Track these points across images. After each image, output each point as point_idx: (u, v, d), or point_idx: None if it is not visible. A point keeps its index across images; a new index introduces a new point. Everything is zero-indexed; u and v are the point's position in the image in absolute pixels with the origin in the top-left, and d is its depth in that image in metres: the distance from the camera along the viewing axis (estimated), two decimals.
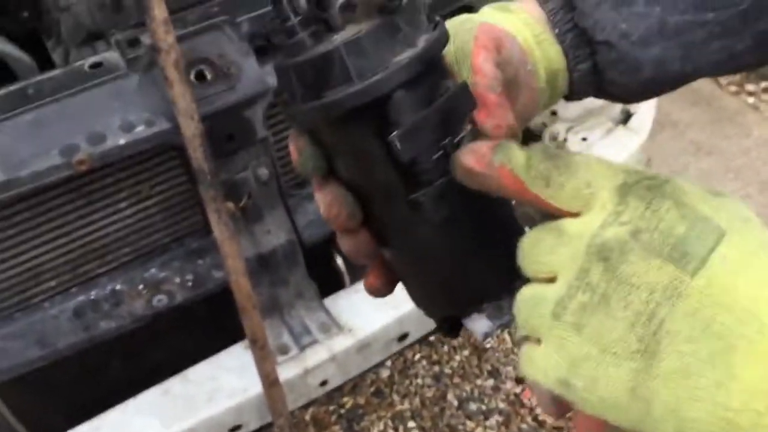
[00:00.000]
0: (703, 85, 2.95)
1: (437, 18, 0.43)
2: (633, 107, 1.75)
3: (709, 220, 0.33)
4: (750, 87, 2.96)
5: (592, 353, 0.33)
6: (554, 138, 1.72)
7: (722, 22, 0.57)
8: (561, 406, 0.36)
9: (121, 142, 1.10)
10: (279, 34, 0.39)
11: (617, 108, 1.74)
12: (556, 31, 0.55)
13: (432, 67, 0.40)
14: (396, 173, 0.40)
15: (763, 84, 2.96)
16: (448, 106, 0.40)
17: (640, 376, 0.32)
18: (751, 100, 2.92)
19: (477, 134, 0.43)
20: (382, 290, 0.49)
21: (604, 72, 0.56)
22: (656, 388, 0.32)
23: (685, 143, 2.75)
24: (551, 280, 0.36)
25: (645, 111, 1.75)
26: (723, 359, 0.31)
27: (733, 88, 2.97)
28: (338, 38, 0.38)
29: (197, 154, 1.12)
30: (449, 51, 0.48)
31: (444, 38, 0.42)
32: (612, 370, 0.32)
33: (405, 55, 0.38)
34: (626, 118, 1.76)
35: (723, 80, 2.98)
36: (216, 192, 1.15)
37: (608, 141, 1.73)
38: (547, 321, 0.34)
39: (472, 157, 0.39)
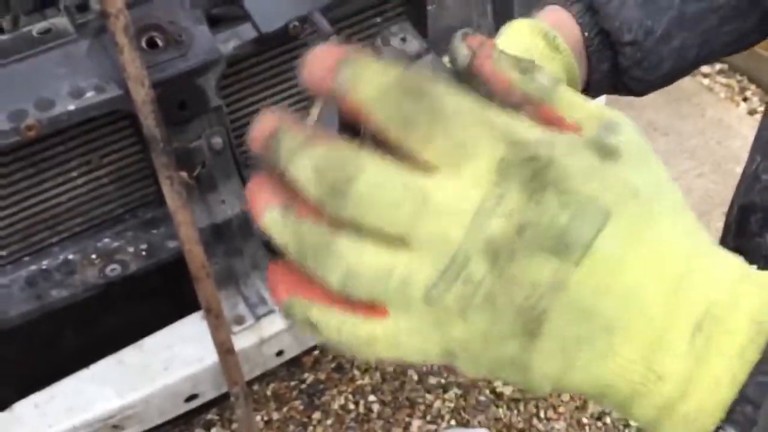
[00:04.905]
0: None
1: None
2: None
3: (593, 203, 0.30)
4: (705, 69, 3.03)
5: (476, 339, 0.31)
6: None
7: (734, 6, 0.60)
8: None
9: (71, 107, 1.09)
10: None
11: None
12: (586, 34, 0.57)
13: None
14: None
15: (718, 66, 3.03)
16: None
17: (520, 351, 0.31)
18: (705, 81, 2.98)
19: None
20: None
21: (626, 71, 0.58)
22: (535, 361, 0.32)
23: (643, 123, 2.81)
24: (396, 243, 0.30)
25: None
26: (602, 339, 0.31)
27: None
28: None
29: (148, 120, 1.12)
30: None
31: None
32: (495, 350, 0.31)
33: None
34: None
35: None
36: (168, 159, 1.15)
37: None
38: (417, 303, 0.30)
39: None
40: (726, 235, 0.79)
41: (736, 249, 0.76)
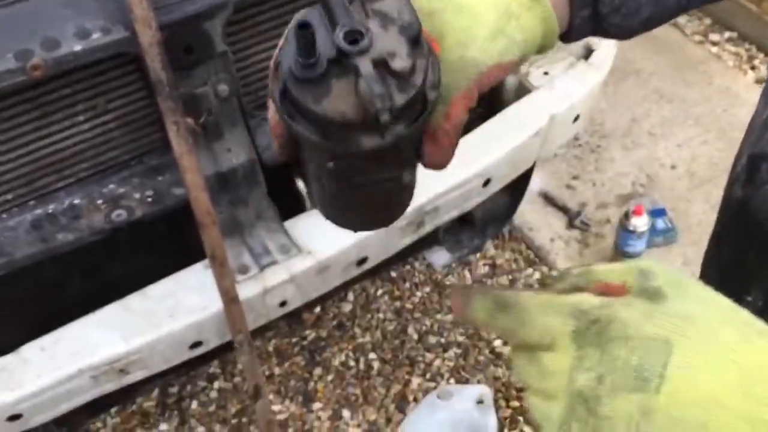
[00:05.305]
0: (669, 34, 2.98)
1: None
2: (594, 43, 1.77)
3: (655, 339, 0.39)
4: (714, 37, 3.00)
5: None
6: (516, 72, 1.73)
7: None
8: None
9: (77, 48, 1.09)
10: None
11: (579, 43, 1.76)
12: None
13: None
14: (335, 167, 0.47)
15: (727, 34, 3.00)
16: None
17: None
18: (714, 49, 2.95)
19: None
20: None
21: (605, 17, 0.59)
22: None
23: (648, 91, 2.79)
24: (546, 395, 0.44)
25: (606, 47, 1.78)
26: None
27: (697, 38, 3.00)
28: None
29: (155, 63, 1.12)
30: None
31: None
32: None
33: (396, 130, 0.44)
34: (588, 53, 1.78)
35: (688, 30, 3.01)
36: (174, 103, 1.15)
37: (570, 76, 1.75)
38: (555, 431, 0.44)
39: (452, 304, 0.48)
40: (733, 185, 0.78)
41: (745, 198, 0.76)
